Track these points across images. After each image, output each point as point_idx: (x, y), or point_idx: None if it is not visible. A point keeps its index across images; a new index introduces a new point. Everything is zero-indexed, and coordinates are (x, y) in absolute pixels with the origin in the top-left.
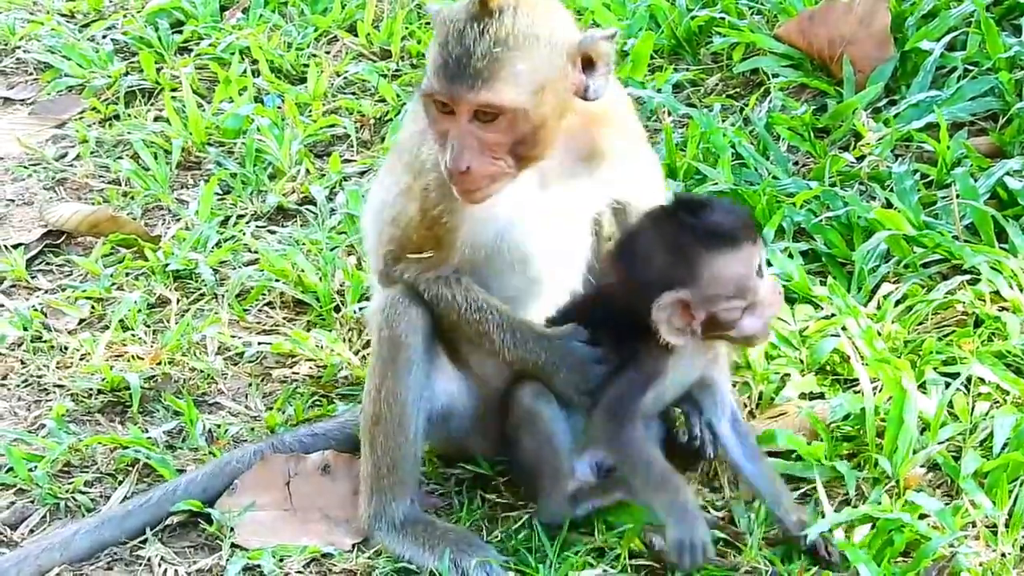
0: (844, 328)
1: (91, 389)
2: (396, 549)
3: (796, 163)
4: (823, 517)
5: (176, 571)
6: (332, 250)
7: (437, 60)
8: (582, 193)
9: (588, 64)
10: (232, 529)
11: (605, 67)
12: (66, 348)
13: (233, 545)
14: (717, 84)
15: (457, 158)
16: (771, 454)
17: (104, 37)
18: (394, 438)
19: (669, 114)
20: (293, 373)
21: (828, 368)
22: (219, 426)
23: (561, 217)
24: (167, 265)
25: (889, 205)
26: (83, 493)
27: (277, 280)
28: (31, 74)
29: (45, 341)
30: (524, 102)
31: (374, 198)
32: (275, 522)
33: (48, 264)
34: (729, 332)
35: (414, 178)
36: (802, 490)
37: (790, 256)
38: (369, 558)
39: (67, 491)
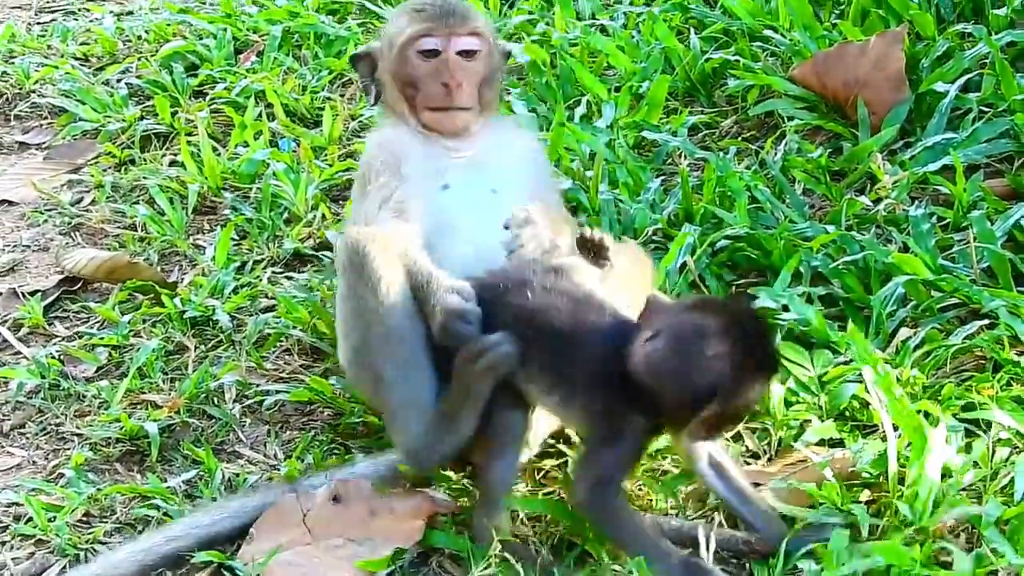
0: (862, 374)
1: (109, 438)
2: None
3: (812, 206)
4: (841, 563)
5: None
6: None
7: (423, 9)
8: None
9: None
10: None
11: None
12: (84, 396)
13: None
14: (732, 127)
15: (455, 75)
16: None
17: (119, 81)
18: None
19: (685, 157)
20: (311, 421)
21: (847, 414)
22: (238, 475)
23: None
24: (184, 312)
25: (906, 249)
26: (103, 543)
27: (294, 327)
28: (46, 118)
29: (63, 389)
30: (491, 41)
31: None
32: (301, 557)
33: (65, 311)
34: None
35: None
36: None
37: (808, 301)
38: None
39: (87, 541)
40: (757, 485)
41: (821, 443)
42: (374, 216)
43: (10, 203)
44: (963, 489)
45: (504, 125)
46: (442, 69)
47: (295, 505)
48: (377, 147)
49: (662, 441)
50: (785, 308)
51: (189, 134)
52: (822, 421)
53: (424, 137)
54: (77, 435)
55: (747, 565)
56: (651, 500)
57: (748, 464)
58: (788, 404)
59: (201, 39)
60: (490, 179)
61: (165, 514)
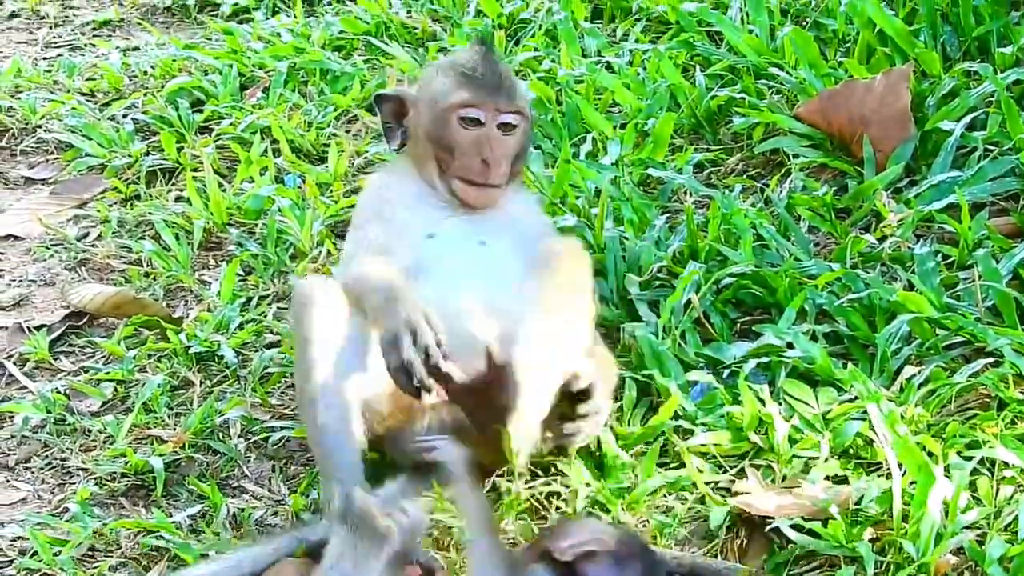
0: (867, 411)
1: (115, 472)
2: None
3: (817, 244)
4: None
5: None
6: None
7: (471, 77)
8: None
9: None
10: None
11: None
12: (89, 431)
13: None
14: (738, 164)
15: (495, 151)
16: (793, 527)
17: (124, 116)
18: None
19: (690, 195)
20: None
21: (852, 451)
22: (243, 510)
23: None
24: (189, 347)
25: (911, 287)
26: None
27: None
28: (52, 154)
29: (68, 424)
30: (529, 116)
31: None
32: None
33: (71, 345)
34: None
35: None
36: (821, 571)
37: (813, 339)
38: None
39: None
40: (764, 520)
41: (826, 479)
42: (353, 257)
43: (16, 238)
44: (967, 527)
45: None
46: (483, 143)
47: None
48: (374, 190)
49: (669, 476)
50: (790, 345)
51: (195, 170)
52: (826, 460)
53: (428, 189)
54: (82, 469)
55: None
56: (656, 535)
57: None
58: (792, 441)
59: (207, 75)
60: (480, 230)
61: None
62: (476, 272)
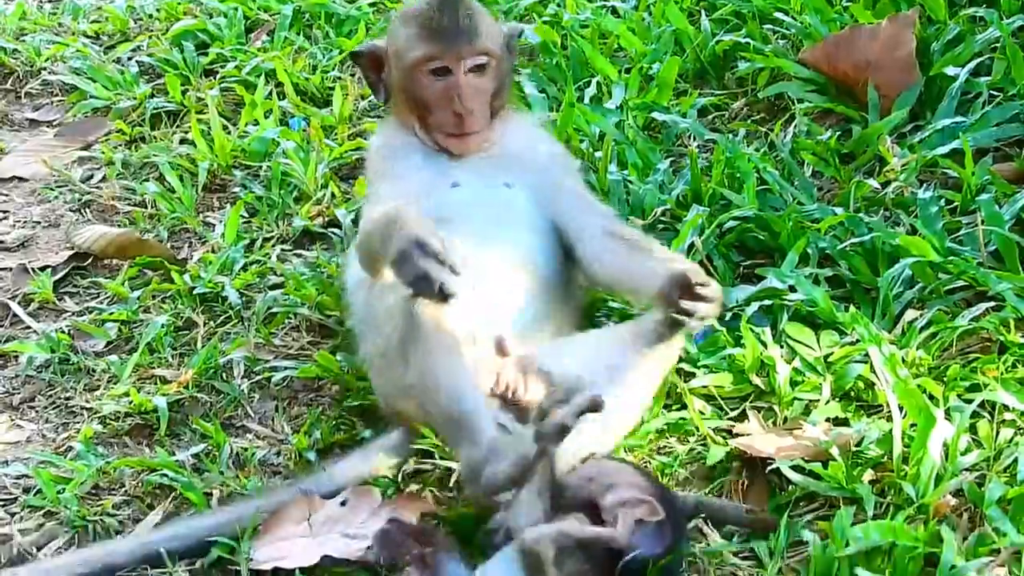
0: (868, 354)
1: (118, 412)
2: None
3: (821, 188)
4: (846, 543)
5: None
6: None
7: (429, 28)
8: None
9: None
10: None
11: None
12: (93, 371)
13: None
14: (742, 109)
15: (466, 100)
16: (794, 469)
17: (129, 59)
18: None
19: (694, 139)
20: (319, 396)
21: (853, 394)
22: (246, 449)
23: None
24: (193, 288)
25: (914, 231)
26: (111, 516)
27: (303, 304)
28: (57, 96)
29: (72, 364)
30: (499, 51)
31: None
32: (293, 547)
33: (75, 286)
34: None
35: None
36: (821, 512)
37: (815, 282)
38: None
39: (95, 514)
40: (765, 462)
41: (827, 422)
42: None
43: (21, 180)
44: (967, 469)
45: (512, 118)
46: (453, 94)
47: (304, 507)
48: (379, 151)
49: (671, 417)
50: (792, 289)
51: (200, 112)
52: (828, 401)
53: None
54: (86, 409)
55: (749, 539)
56: (658, 475)
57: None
58: (794, 384)
59: (212, 18)
60: (502, 174)
61: (173, 487)
62: (506, 217)
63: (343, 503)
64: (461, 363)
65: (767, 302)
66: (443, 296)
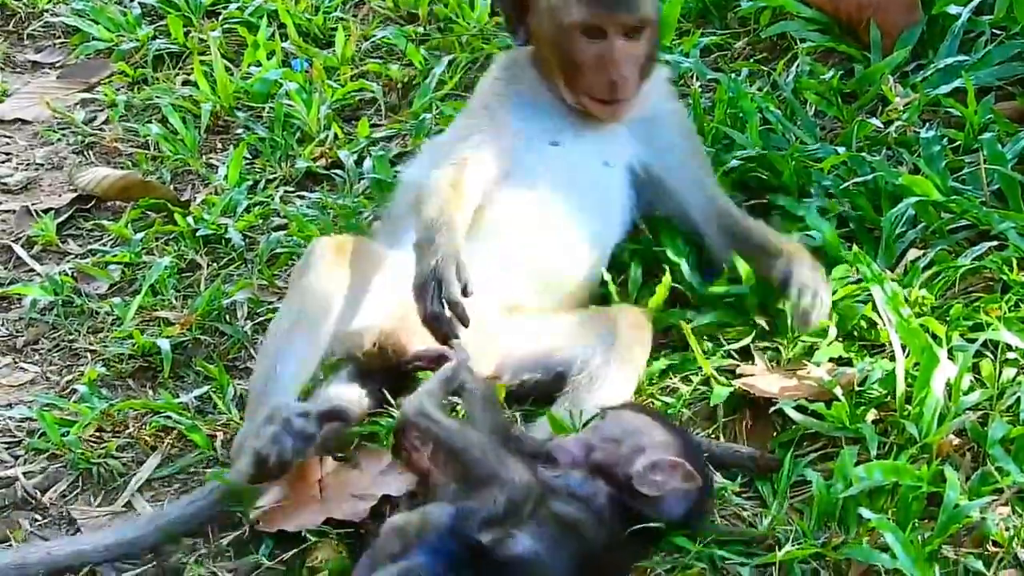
0: (871, 294)
1: (122, 354)
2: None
3: (823, 128)
4: (848, 482)
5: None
6: (359, 214)
7: None
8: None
9: None
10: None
11: None
12: (97, 313)
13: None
14: (745, 48)
15: (622, 67)
16: (797, 409)
17: (132, 0)
18: (279, 355)
19: (697, 79)
20: None
21: (856, 333)
22: (249, 392)
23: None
24: (197, 230)
25: (916, 170)
26: (115, 458)
27: (306, 245)
28: (59, 38)
29: (76, 306)
30: (655, 15)
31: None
32: (300, 509)
33: (79, 229)
34: None
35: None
36: (824, 451)
37: (822, 214)
38: None
39: (99, 456)
40: (768, 402)
41: (831, 361)
42: (447, 145)
43: (24, 122)
44: (969, 408)
45: (652, 83)
46: (608, 60)
47: (315, 467)
48: (497, 83)
49: (674, 358)
50: (801, 220)
51: (202, 54)
52: (831, 342)
53: (549, 94)
54: (90, 351)
55: (752, 480)
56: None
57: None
58: None
59: None
60: (609, 150)
61: (177, 429)
62: (586, 198)
63: (355, 464)
64: (311, 344)
65: None
66: (445, 339)
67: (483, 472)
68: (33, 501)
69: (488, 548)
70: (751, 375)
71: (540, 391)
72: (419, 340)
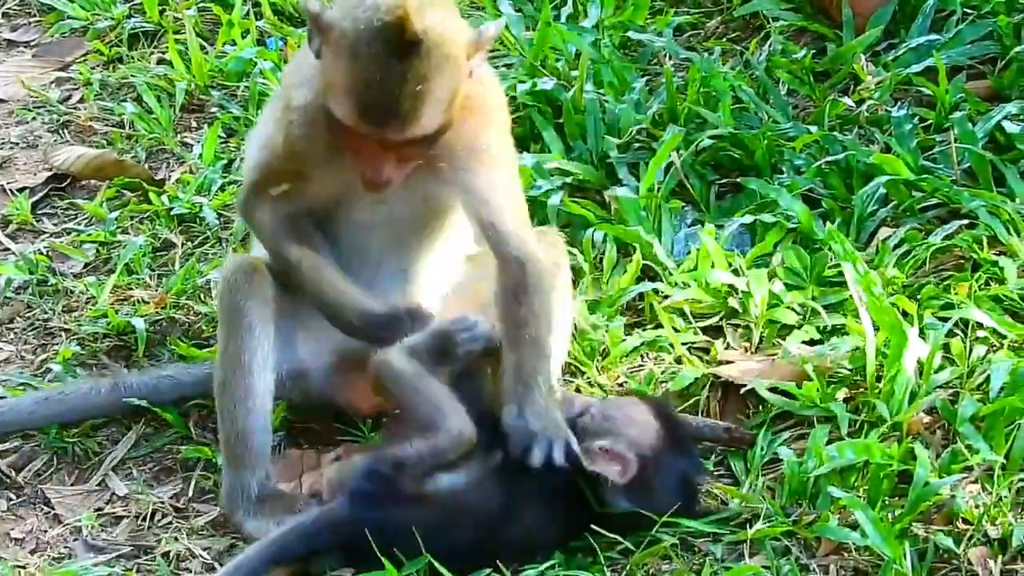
0: (843, 272)
1: (97, 333)
2: (253, 529)
3: (796, 107)
4: (819, 460)
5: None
6: None
7: (359, 100)
8: (431, 180)
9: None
10: None
11: (486, 52)
12: (72, 292)
13: None
14: (718, 27)
15: (377, 176)
16: (770, 389)
17: None
18: (242, 405)
19: (670, 58)
20: None
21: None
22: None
23: (406, 196)
24: (171, 209)
25: (888, 149)
26: (90, 437)
27: None
28: (34, 16)
29: (51, 285)
30: (442, 119)
31: (255, 130)
32: None
33: (53, 208)
34: None
35: (283, 111)
36: (797, 432)
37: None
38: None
39: (73, 435)
40: (740, 387)
41: (804, 342)
42: (256, 192)
43: None
44: (939, 387)
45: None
46: (372, 165)
47: (298, 462)
48: (297, 118)
49: (647, 336)
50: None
51: (177, 32)
52: (801, 325)
53: None
54: (65, 330)
55: (726, 456)
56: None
57: (731, 362)
58: (771, 305)
59: None
60: (424, 184)
61: (150, 409)
62: (408, 225)
63: (337, 458)
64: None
65: (748, 219)
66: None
67: (425, 420)
68: (8, 480)
69: (400, 485)
70: (726, 362)
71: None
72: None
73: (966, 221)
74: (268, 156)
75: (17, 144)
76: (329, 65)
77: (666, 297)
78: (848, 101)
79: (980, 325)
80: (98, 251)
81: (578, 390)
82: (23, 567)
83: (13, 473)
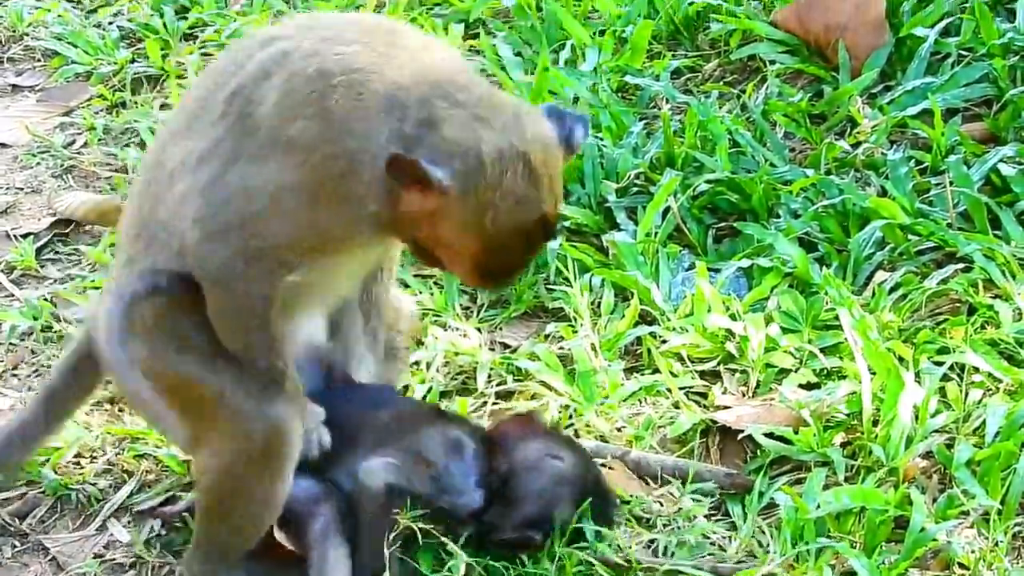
0: (838, 316)
1: None
2: None
3: (792, 150)
4: (817, 506)
5: None
6: None
7: (491, 272)
8: None
9: None
10: None
11: None
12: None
13: None
14: (715, 70)
15: None
16: (766, 434)
17: (110, 24)
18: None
19: (667, 102)
20: None
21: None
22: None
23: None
24: None
25: (884, 192)
26: (92, 484)
27: None
28: (39, 61)
29: (55, 331)
30: None
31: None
32: None
33: (57, 253)
34: None
35: (339, 179)
36: (794, 476)
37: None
38: None
39: (77, 482)
40: (738, 432)
41: (800, 386)
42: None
43: (3, 145)
44: (936, 431)
45: None
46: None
47: None
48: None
49: (644, 380)
50: (771, 247)
51: (180, 77)
52: (798, 368)
53: None
54: None
55: (723, 501)
56: (632, 439)
57: (728, 407)
58: (768, 350)
59: None
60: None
61: (155, 457)
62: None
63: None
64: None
65: (745, 263)
66: None
67: None
68: (11, 528)
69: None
70: (722, 407)
71: None
72: None
73: (962, 265)
74: (309, 232)
75: (22, 189)
76: (457, 213)
77: (664, 341)
78: (845, 144)
79: (976, 369)
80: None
81: (577, 434)
82: None
83: (16, 521)
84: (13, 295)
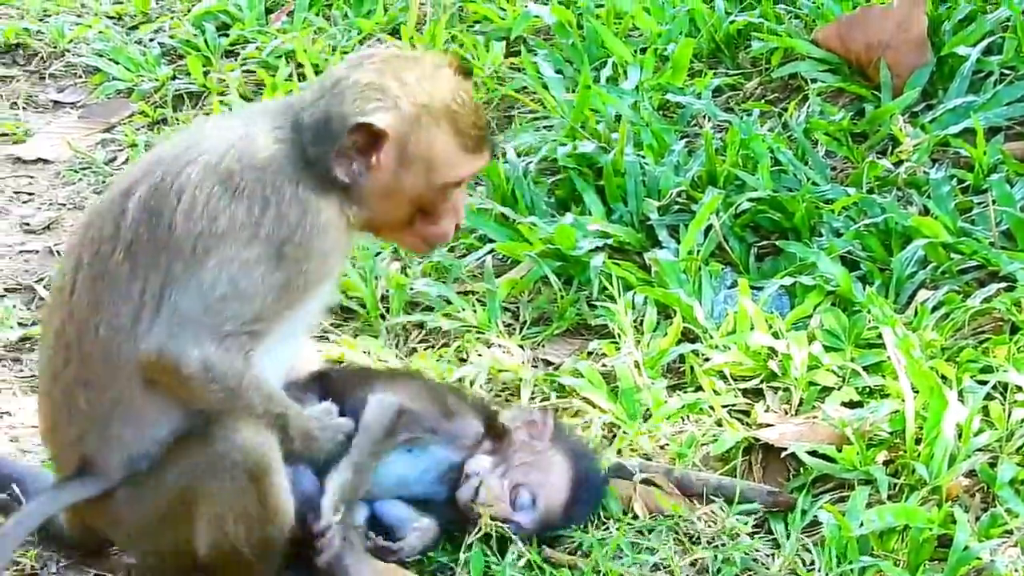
0: (882, 335)
1: None
2: None
3: (834, 168)
4: (860, 524)
5: None
6: (376, 255)
7: (483, 140)
8: None
9: None
10: None
11: None
12: None
13: None
14: (756, 88)
15: (461, 214)
16: (809, 452)
17: (152, 40)
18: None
19: (709, 120)
20: None
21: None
22: None
23: None
24: None
25: (926, 211)
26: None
27: None
28: (80, 77)
29: None
30: None
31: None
32: None
33: None
34: None
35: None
36: (837, 495)
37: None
38: None
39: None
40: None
41: (843, 404)
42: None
43: (46, 161)
44: (979, 450)
45: None
46: (460, 206)
47: None
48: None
49: (687, 398)
50: (814, 265)
51: (221, 94)
52: (841, 386)
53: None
54: None
55: (767, 519)
56: (675, 456)
57: (771, 425)
58: (811, 368)
59: None
60: None
61: None
62: None
63: None
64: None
65: (788, 281)
66: None
67: None
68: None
69: None
70: (765, 425)
71: None
72: None
73: (1004, 284)
74: (257, 299)
75: (64, 205)
76: (419, 158)
77: (707, 359)
78: (886, 163)
79: (1019, 388)
80: None
81: (619, 452)
82: None
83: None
84: None
